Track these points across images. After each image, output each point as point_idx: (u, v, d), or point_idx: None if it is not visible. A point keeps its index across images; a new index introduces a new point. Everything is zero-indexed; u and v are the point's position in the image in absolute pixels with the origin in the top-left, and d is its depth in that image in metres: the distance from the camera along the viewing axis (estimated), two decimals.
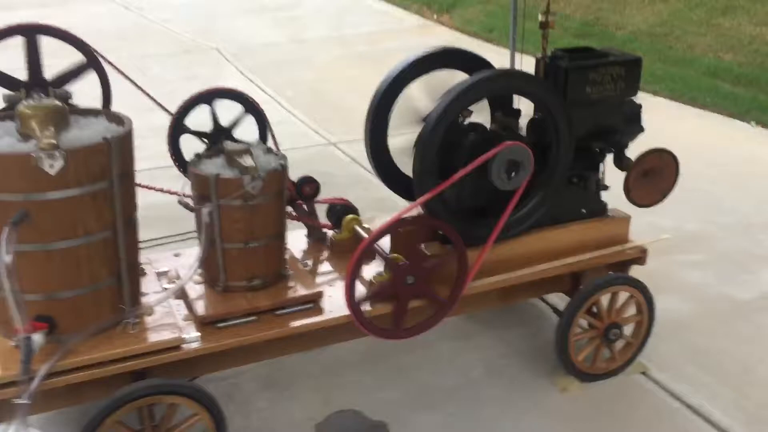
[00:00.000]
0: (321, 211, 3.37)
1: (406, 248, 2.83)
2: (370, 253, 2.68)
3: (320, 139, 6.37)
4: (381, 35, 10.12)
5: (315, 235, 3.29)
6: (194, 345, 2.51)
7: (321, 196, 3.33)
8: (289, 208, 3.22)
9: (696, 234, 4.70)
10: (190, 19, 11.14)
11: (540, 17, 3.09)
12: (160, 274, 2.85)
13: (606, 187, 3.29)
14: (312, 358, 3.35)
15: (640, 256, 3.28)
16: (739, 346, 3.55)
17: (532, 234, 3.12)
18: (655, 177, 3.19)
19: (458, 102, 2.76)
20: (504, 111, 3.22)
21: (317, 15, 11.48)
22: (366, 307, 2.79)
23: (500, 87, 2.90)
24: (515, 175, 2.83)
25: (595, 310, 3.19)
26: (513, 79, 2.89)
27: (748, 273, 4.23)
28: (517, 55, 3.60)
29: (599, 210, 3.27)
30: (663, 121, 6.77)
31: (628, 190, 3.16)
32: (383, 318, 2.83)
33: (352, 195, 3.62)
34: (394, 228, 2.72)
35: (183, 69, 8.53)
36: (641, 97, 3.25)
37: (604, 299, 3.20)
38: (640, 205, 3.25)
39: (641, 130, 3.25)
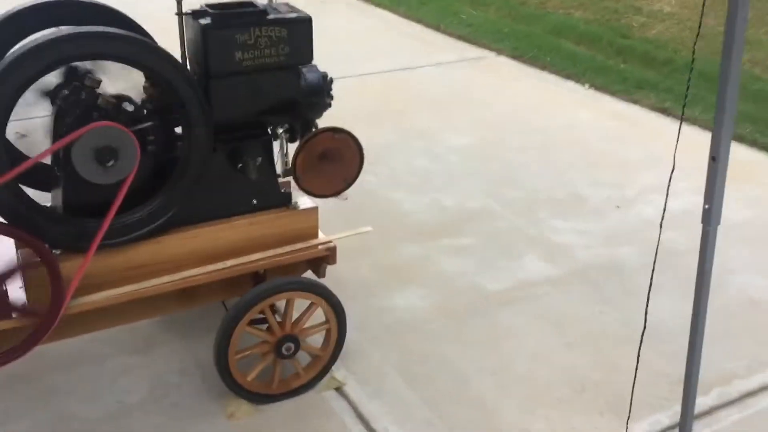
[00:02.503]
0: None
1: None
2: None
3: None
4: None
5: None
6: None
7: None
8: None
9: (474, 213, 4.24)
10: None
11: None
12: None
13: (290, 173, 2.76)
14: None
15: (325, 255, 2.77)
16: (465, 352, 3.11)
17: (181, 232, 2.57)
18: (333, 161, 2.66)
19: (17, 71, 2.11)
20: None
21: None
22: None
23: (85, 51, 2.22)
24: (113, 165, 2.25)
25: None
26: (107, 42, 2.25)
27: (510, 258, 3.79)
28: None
29: (277, 200, 2.73)
30: (496, 83, 6.31)
31: (296, 177, 2.62)
32: None
33: None
34: None
35: None
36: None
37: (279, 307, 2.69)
38: (316, 195, 2.72)
39: (326, 103, 2.71)
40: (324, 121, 2.71)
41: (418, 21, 8.02)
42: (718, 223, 1.77)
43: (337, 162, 2.66)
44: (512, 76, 6.54)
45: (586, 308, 3.41)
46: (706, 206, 1.76)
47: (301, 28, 2.55)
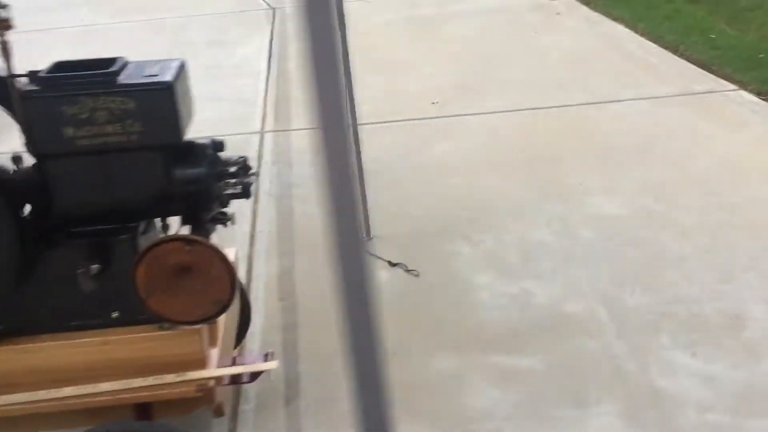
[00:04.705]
0: None
1: None
2: None
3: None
4: None
5: None
6: None
7: None
8: None
9: (566, 320, 3.14)
10: None
11: None
12: None
13: None
14: None
15: (197, 395, 2.05)
16: None
17: (11, 345, 2.06)
18: (196, 279, 1.93)
19: None
20: None
21: None
22: None
23: None
24: None
25: None
26: None
27: (574, 404, 2.69)
28: None
29: (148, 316, 2.08)
30: (708, 130, 4.86)
31: (140, 296, 1.95)
32: None
33: None
34: None
35: (214, 30, 7.82)
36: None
37: None
38: (174, 321, 2.01)
39: (217, 193, 2.00)
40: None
41: (656, 40, 6.66)
42: None
43: (202, 279, 1.93)
44: (740, 121, 5.01)
45: None
46: None
47: (154, 98, 1.88)
